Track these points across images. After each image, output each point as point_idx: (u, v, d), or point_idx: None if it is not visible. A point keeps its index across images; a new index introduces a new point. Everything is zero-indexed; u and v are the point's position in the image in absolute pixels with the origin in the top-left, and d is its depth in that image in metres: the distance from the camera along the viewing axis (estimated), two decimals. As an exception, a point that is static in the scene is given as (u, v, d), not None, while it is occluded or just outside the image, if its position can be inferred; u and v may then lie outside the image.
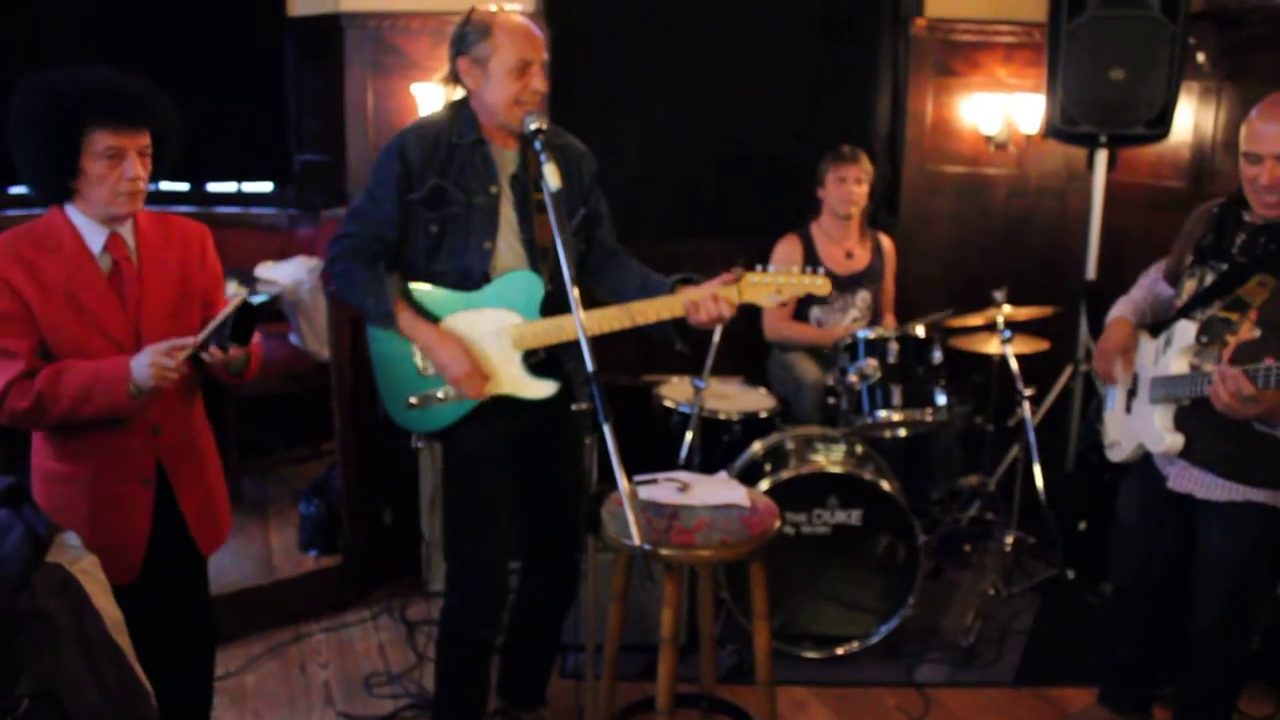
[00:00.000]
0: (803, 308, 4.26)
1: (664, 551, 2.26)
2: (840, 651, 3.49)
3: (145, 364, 2.20)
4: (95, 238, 2.29)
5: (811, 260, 4.22)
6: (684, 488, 2.43)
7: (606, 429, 2.19)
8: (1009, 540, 3.95)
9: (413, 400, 2.66)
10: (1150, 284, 2.93)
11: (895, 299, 4.47)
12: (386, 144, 2.65)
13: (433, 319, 2.64)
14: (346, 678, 3.37)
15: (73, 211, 2.28)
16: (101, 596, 2.02)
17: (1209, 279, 2.61)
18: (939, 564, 4.12)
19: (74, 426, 2.28)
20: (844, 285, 4.26)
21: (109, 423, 2.29)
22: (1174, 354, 2.61)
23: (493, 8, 2.61)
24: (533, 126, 2.47)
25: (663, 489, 2.43)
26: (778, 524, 2.43)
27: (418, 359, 2.69)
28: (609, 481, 2.28)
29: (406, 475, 3.83)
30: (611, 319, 2.56)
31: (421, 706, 3.19)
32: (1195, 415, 2.57)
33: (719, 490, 2.44)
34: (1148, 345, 2.79)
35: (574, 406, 2.43)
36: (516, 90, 2.53)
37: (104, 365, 2.23)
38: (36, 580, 1.90)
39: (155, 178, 2.35)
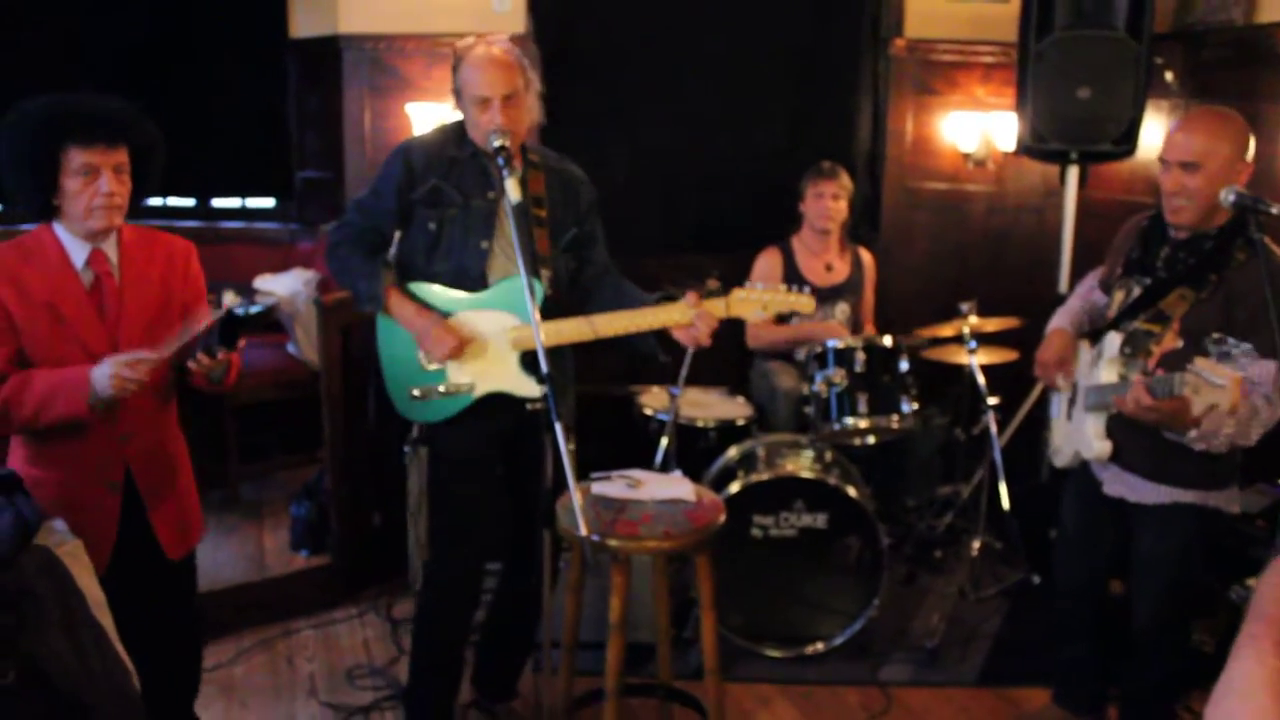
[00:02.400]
0: (783, 320, 4.39)
1: (611, 542, 2.40)
2: (808, 651, 3.61)
3: (105, 374, 2.31)
4: (79, 253, 2.44)
5: (791, 272, 4.35)
6: (635, 484, 2.57)
7: (558, 427, 2.33)
8: (976, 545, 4.07)
9: (415, 393, 2.83)
10: (1086, 292, 3.06)
11: (876, 312, 4.60)
12: (395, 147, 2.87)
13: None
14: (331, 670, 3.52)
15: (59, 228, 2.43)
16: (85, 578, 2.17)
17: (1136, 291, 2.74)
18: (912, 570, 4.23)
19: (44, 433, 2.40)
20: (824, 297, 4.39)
21: (77, 429, 2.40)
22: (1104, 364, 2.73)
23: (470, 40, 2.77)
24: (496, 144, 2.63)
25: (615, 485, 2.58)
26: (722, 518, 2.56)
27: (421, 356, 2.85)
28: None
29: (396, 480, 3.98)
30: (581, 329, 2.71)
31: (400, 698, 3.32)
32: (1124, 422, 2.69)
33: (668, 486, 2.58)
34: (1086, 354, 2.91)
35: (529, 406, 2.58)
36: (482, 122, 2.71)
37: (67, 374, 2.34)
38: (24, 560, 2.05)
39: (143, 194, 2.50)
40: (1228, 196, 2.47)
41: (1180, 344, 2.57)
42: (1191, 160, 2.58)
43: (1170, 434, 2.58)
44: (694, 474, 3.82)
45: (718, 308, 2.71)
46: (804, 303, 2.73)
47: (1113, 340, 2.72)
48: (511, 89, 2.71)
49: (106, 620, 2.21)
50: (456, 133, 2.84)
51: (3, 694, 2.01)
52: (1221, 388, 2.14)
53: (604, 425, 4.08)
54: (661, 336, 2.81)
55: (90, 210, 2.38)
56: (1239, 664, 1.53)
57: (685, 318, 2.71)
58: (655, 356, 2.86)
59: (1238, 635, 1.60)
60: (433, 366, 2.84)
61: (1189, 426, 2.50)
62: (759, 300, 2.72)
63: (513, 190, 2.55)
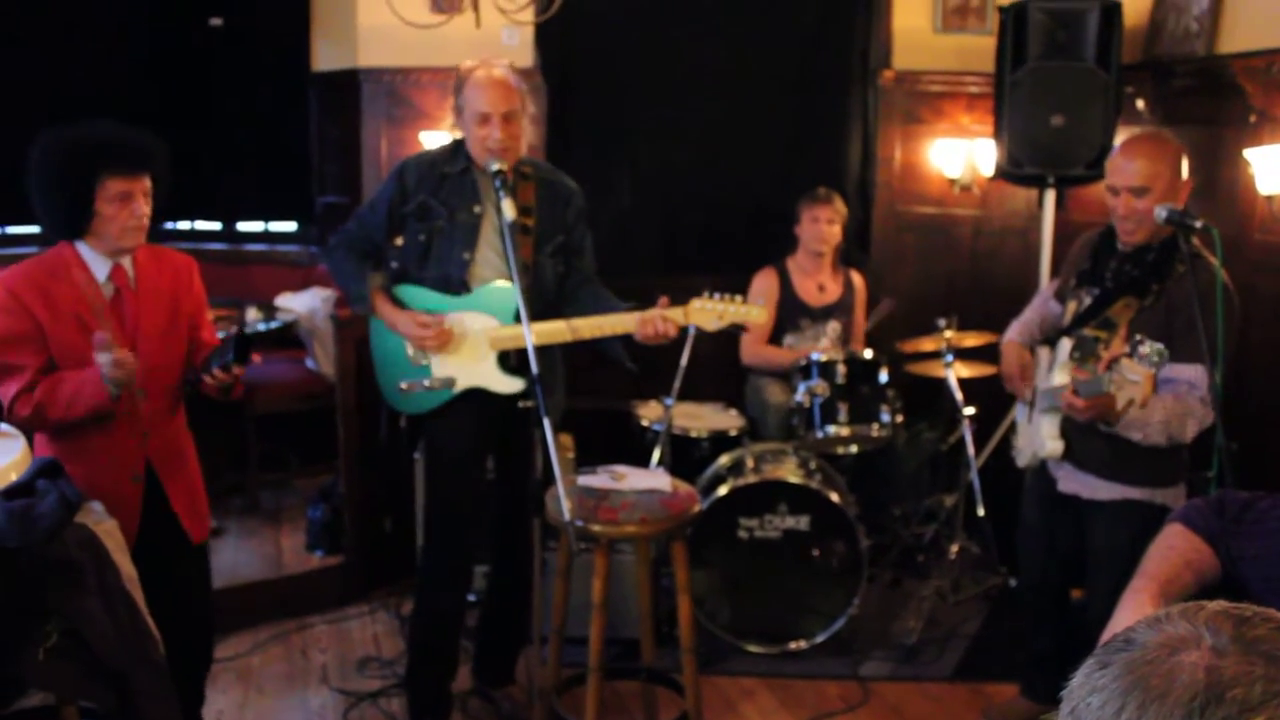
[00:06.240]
0: (778, 336, 4.62)
1: (593, 527, 2.63)
2: (791, 647, 3.81)
3: (103, 365, 2.53)
4: (100, 269, 2.69)
5: (786, 292, 4.59)
6: (618, 477, 2.81)
7: (546, 423, 2.57)
8: (954, 549, 4.27)
9: (403, 385, 3.09)
10: (1041, 303, 3.27)
11: (866, 331, 4.82)
12: (395, 164, 3.18)
13: None
14: (342, 661, 3.75)
15: (81, 246, 2.68)
16: (119, 554, 2.42)
17: (1086, 301, 2.96)
18: (897, 575, 4.42)
19: (74, 429, 2.65)
20: (816, 315, 4.62)
21: (103, 428, 2.65)
22: (1057, 369, 2.94)
23: (472, 63, 3.04)
24: (494, 168, 2.89)
25: (599, 477, 2.82)
26: (696, 508, 2.79)
27: (409, 351, 3.11)
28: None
29: (406, 488, 4.22)
30: (561, 331, 2.95)
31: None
32: (1076, 422, 2.89)
33: (647, 479, 2.81)
34: (1044, 360, 3.13)
35: (521, 404, 2.82)
36: (481, 137, 2.97)
37: (85, 373, 2.59)
38: (66, 535, 2.30)
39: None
40: (1160, 213, 2.68)
41: (1127, 349, 2.78)
42: (1141, 185, 2.78)
43: (1104, 426, 2.79)
44: (687, 481, 4.06)
45: (677, 315, 2.93)
46: (756, 314, 2.94)
47: (1065, 346, 2.92)
48: (510, 107, 2.97)
49: (137, 594, 2.46)
50: (452, 150, 3.12)
51: (48, 654, 2.26)
52: (1136, 383, 2.37)
53: (605, 439, 4.31)
54: (629, 344, 3.04)
55: (124, 231, 2.64)
56: (1121, 614, 1.76)
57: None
58: (623, 362, 3.10)
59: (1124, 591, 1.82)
60: (421, 361, 3.10)
61: (1118, 419, 2.69)
62: (715, 310, 2.94)
63: (508, 210, 2.80)
